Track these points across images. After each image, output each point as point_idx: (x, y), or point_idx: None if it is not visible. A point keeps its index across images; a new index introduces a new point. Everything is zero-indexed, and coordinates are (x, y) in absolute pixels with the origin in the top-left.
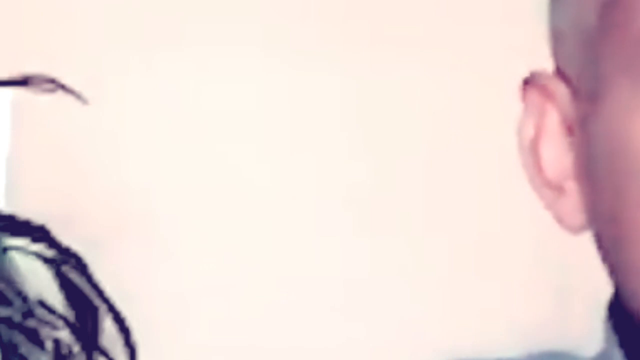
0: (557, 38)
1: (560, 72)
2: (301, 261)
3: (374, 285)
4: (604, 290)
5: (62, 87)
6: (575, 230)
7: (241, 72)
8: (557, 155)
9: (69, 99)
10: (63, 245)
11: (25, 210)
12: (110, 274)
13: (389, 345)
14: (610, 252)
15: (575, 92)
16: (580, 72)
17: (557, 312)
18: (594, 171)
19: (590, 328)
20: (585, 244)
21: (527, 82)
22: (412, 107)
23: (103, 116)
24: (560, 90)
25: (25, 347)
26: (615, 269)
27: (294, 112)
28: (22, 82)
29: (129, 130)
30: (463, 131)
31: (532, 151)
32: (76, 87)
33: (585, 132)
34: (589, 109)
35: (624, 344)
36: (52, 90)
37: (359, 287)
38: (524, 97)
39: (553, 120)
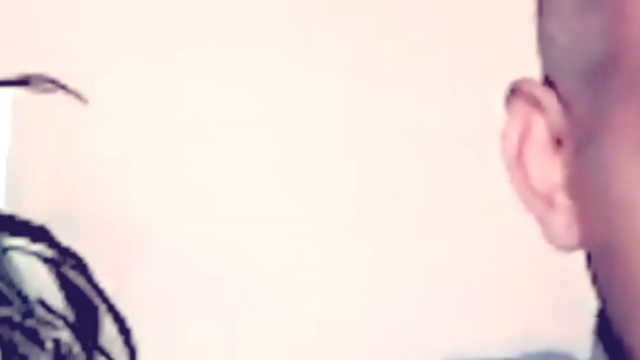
0: (546, 42)
1: (548, 80)
2: (302, 262)
3: (373, 287)
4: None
5: (62, 87)
6: (567, 249)
7: (241, 72)
8: (545, 166)
9: (69, 99)
10: (63, 245)
11: (25, 210)
12: (110, 274)
13: (389, 348)
14: (604, 282)
15: (566, 107)
16: (575, 92)
17: (556, 316)
18: (592, 205)
19: (587, 332)
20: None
21: (513, 90)
22: (414, 106)
23: (103, 116)
24: (549, 100)
25: (25, 347)
26: (607, 299)
27: (295, 111)
28: (22, 82)
29: (129, 130)
30: (464, 134)
31: (518, 161)
32: (76, 87)
33: (581, 159)
34: (583, 139)
35: (609, 353)
36: (52, 90)
37: (358, 287)
38: (509, 105)
39: (540, 130)
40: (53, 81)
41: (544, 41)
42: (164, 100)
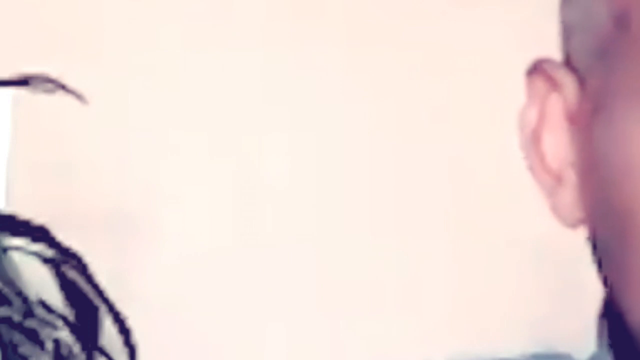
0: (566, 31)
1: (568, 63)
2: (302, 261)
3: (374, 283)
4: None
5: (62, 87)
6: (571, 224)
7: (241, 73)
8: (558, 144)
9: (69, 99)
10: (63, 245)
11: (25, 210)
12: (110, 274)
13: (388, 343)
14: (605, 256)
15: (582, 85)
16: (588, 68)
17: (556, 311)
18: (597, 179)
19: (589, 328)
20: (584, 243)
21: (533, 68)
22: (415, 104)
23: (103, 116)
24: (567, 80)
25: (25, 347)
26: (610, 273)
27: (294, 112)
28: (22, 82)
29: (129, 130)
30: (465, 127)
31: (534, 138)
32: (76, 87)
33: (589, 131)
34: (594, 109)
35: (615, 346)
36: (52, 90)
37: (358, 285)
38: (529, 83)
39: (556, 109)
40: (53, 81)
41: (564, 27)
42: (163, 100)
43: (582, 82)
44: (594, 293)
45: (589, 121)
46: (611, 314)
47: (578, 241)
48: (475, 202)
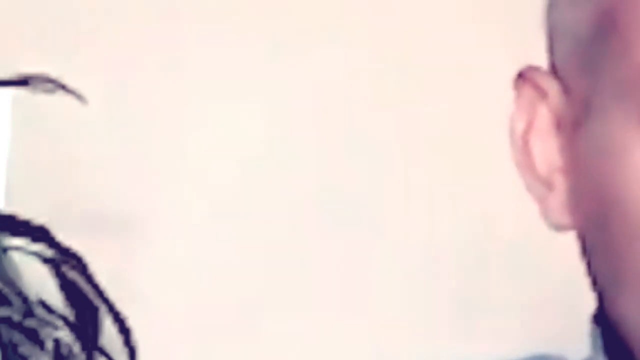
0: (552, 35)
1: (554, 68)
2: (302, 262)
3: (375, 289)
4: (586, 298)
5: (62, 87)
6: (561, 228)
7: (241, 75)
8: (547, 151)
9: (69, 99)
10: (63, 245)
11: (25, 210)
12: (110, 274)
13: (385, 352)
14: (595, 261)
15: (567, 91)
16: (571, 75)
17: (544, 322)
18: (584, 181)
19: (571, 336)
20: (568, 251)
21: (520, 76)
22: (402, 110)
23: (103, 116)
24: (553, 88)
25: (25, 347)
26: (600, 278)
27: (290, 114)
28: (22, 82)
29: (129, 130)
30: (456, 131)
31: (523, 146)
32: (76, 87)
33: (577, 138)
34: (580, 115)
35: (609, 351)
36: (52, 90)
37: (354, 287)
38: (517, 90)
39: (544, 117)
40: (53, 81)
41: (548, 31)
42: (163, 100)
43: (566, 89)
44: (576, 301)
45: (576, 127)
46: (602, 318)
47: (568, 245)
48: (474, 207)
